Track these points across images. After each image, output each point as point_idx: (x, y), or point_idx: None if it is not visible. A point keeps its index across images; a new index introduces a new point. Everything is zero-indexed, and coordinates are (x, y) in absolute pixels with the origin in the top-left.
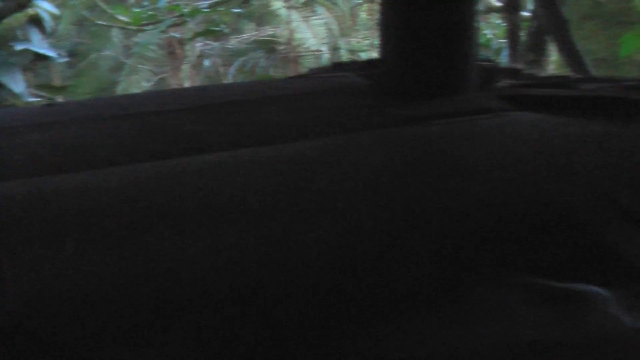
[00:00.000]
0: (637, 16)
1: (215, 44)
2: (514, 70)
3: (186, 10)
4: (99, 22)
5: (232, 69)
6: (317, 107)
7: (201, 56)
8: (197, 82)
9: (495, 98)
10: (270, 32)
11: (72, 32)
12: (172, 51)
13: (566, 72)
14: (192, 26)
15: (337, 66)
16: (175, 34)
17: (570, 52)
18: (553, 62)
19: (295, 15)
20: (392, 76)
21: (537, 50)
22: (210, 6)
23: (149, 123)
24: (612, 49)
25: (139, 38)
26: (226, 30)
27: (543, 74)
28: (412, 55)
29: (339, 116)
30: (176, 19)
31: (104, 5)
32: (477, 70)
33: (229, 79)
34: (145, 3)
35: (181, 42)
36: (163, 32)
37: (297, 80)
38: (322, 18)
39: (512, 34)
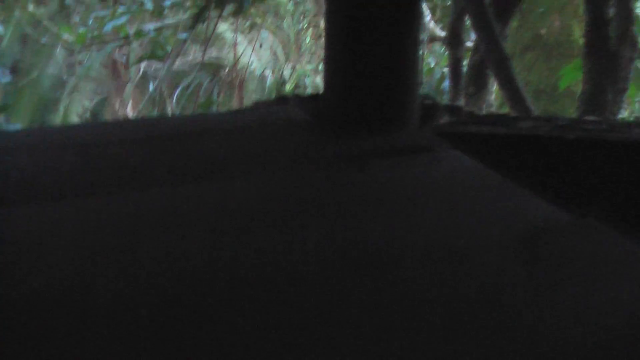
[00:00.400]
0: (577, 49)
1: (160, 65)
2: (454, 108)
3: (132, 31)
4: (43, 41)
5: (176, 92)
6: (258, 142)
7: (145, 77)
8: (140, 103)
9: (434, 136)
10: (215, 55)
11: (15, 49)
12: (116, 71)
13: (507, 106)
14: (136, 47)
15: (281, 99)
16: (119, 54)
17: (510, 88)
18: (494, 95)
19: (240, 39)
20: (334, 111)
21: (478, 82)
22: (157, 29)
23: (92, 154)
24: (552, 80)
25: (83, 58)
26: (171, 53)
27: (483, 110)
28: (354, 91)
29: (278, 152)
30: (122, 40)
31: (48, 23)
32: (418, 107)
33: (172, 101)
34: (90, 21)
35: (125, 63)
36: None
37: (241, 114)
38: (267, 42)
39: (454, 66)
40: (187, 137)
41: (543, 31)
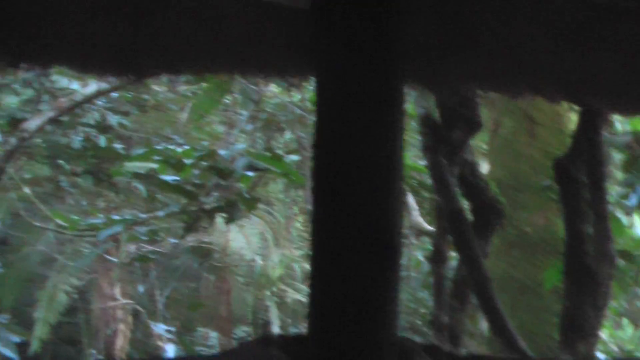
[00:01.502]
0: (562, 246)
1: (149, 247)
2: (433, 348)
3: (126, 217)
4: (35, 224)
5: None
6: None
7: (134, 259)
8: (128, 285)
9: None
10: (206, 239)
11: (7, 223)
12: (108, 251)
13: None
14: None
15: (265, 340)
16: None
17: (491, 311)
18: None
19: (232, 224)
20: (317, 356)
21: (461, 299)
22: (150, 217)
23: None
24: (537, 277)
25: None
26: (162, 237)
27: (465, 327)
28: (337, 335)
29: None
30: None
31: (40, 204)
32: (396, 350)
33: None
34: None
35: (116, 243)
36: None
37: (226, 357)
38: (257, 227)
39: (438, 281)
40: None
41: (528, 229)
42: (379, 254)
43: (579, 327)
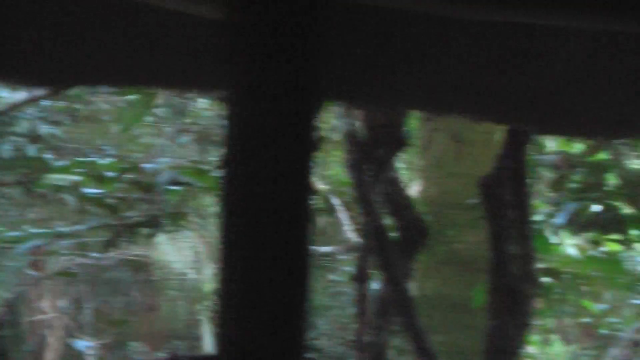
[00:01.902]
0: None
1: (81, 259)
2: None
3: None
4: None
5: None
6: None
7: (58, 273)
8: (58, 297)
9: None
10: (139, 253)
11: None
12: (35, 264)
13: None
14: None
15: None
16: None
17: (412, 330)
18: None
19: (163, 237)
20: None
21: (384, 319)
22: (73, 230)
23: None
24: (467, 294)
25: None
26: (90, 251)
27: (388, 346)
28: (242, 355)
29: None
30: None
31: None
32: None
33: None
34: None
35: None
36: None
37: None
38: (190, 241)
39: (360, 300)
40: None
41: (459, 247)
42: (287, 272)
43: (501, 346)
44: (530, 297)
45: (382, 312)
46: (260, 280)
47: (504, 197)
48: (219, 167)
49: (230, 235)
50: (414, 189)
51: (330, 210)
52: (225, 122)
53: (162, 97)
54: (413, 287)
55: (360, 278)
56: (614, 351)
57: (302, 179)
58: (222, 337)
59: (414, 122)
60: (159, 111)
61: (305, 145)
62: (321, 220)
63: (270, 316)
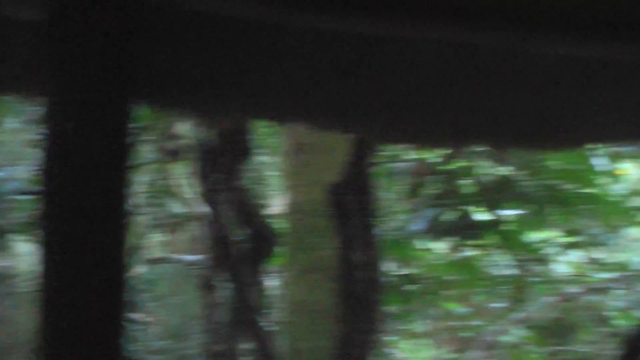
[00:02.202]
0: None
1: None
2: None
3: None
4: None
5: None
6: None
7: None
8: None
9: None
10: (4, 264)
11: None
12: None
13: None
14: None
15: None
16: None
17: (257, 338)
18: None
19: (28, 245)
20: None
21: (234, 327)
22: None
23: None
24: (331, 301)
25: None
26: None
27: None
28: None
29: None
30: None
31: None
32: None
33: None
34: None
35: None
36: None
37: None
38: None
39: (208, 311)
40: None
41: (323, 254)
42: (102, 282)
43: (348, 352)
44: (376, 304)
45: (231, 320)
46: (74, 290)
47: (350, 205)
48: (36, 175)
49: (47, 244)
50: (279, 197)
51: (199, 218)
52: (42, 128)
53: (16, 104)
54: (279, 295)
55: (207, 286)
56: (475, 353)
57: (117, 186)
58: (42, 348)
59: (274, 131)
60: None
61: (120, 152)
62: (191, 229)
63: (85, 326)
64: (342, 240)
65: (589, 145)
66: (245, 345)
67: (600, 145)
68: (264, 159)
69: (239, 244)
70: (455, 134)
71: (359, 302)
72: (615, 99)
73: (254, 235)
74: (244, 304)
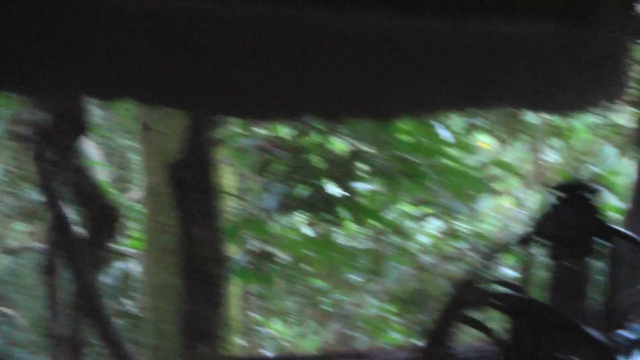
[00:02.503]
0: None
1: None
2: None
3: None
4: None
5: None
6: None
7: None
8: None
9: None
10: None
11: None
12: None
13: None
14: None
15: None
16: None
17: (96, 319)
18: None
19: None
20: None
21: (77, 311)
22: None
23: None
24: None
25: None
26: None
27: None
28: None
29: None
30: None
31: None
32: None
33: None
34: None
35: None
36: None
37: None
38: None
39: (50, 295)
40: None
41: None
42: None
43: (196, 328)
44: (220, 279)
45: (75, 302)
46: None
47: (190, 181)
48: None
49: None
50: (138, 177)
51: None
52: None
53: None
54: (138, 277)
55: (48, 271)
56: (335, 326)
57: None
58: None
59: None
60: None
61: None
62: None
63: None
64: (183, 217)
65: (423, 115)
66: (89, 330)
67: (431, 115)
68: (124, 141)
69: (78, 226)
70: (288, 106)
71: (203, 278)
72: (435, 69)
73: (95, 216)
74: (84, 288)
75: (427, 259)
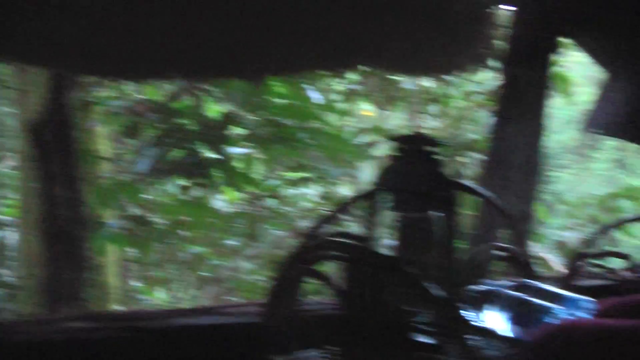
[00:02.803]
0: None
1: None
2: None
3: None
4: None
5: None
6: None
7: None
8: None
9: None
10: None
11: None
12: None
13: None
14: None
15: None
16: None
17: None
18: None
19: None
20: None
21: None
22: None
23: None
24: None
25: None
26: None
27: None
28: None
29: None
30: None
31: None
32: None
33: None
34: None
35: None
36: None
37: None
38: None
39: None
40: None
41: None
42: None
43: (59, 291)
44: (83, 241)
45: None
46: None
47: (50, 142)
48: None
49: None
50: (13, 143)
51: None
52: None
53: None
54: (16, 244)
55: None
56: (213, 290)
57: None
58: None
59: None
60: None
61: None
62: None
63: None
64: (42, 177)
65: (293, 75)
66: None
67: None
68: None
69: None
70: (157, 67)
71: (65, 240)
72: (304, 28)
73: None
74: None
75: (302, 223)
